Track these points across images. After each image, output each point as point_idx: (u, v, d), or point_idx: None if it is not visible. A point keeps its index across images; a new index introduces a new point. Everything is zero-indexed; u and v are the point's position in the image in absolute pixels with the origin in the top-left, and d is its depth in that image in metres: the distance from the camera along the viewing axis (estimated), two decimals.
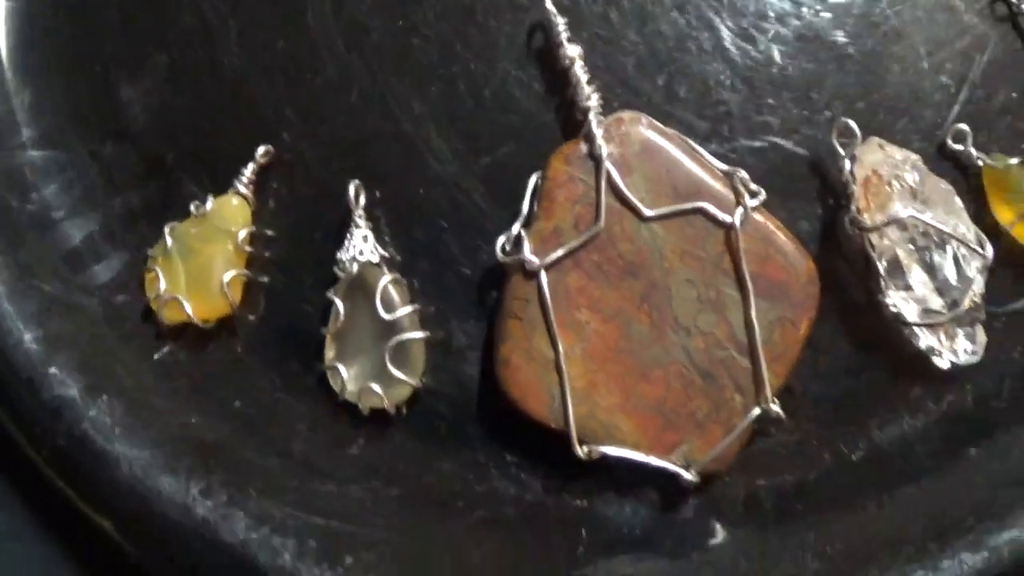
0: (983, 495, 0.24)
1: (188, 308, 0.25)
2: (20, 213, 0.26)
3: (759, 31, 0.26)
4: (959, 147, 0.26)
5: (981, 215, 0.26)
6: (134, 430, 0.24)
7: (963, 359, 0.24)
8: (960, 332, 0.24)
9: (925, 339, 0.25)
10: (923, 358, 0.25)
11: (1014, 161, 0.25)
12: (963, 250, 0.24)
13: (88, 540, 0.26)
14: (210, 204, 0.25)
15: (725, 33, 0.26)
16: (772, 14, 0.26)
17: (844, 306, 0.25)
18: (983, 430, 0.25)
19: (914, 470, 0.25)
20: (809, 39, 0.26)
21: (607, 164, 0.23)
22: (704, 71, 0.25)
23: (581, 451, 0.23)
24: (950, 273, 0.24)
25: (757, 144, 0.25)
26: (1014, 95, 0.26)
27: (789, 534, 0.25)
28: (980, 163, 0.25)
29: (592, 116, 0.24)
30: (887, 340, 0.25)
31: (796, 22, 0.26)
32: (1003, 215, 0.25)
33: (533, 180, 0.24)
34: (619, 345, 0.23)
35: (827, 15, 0.26)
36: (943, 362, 0.25)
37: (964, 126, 0.26)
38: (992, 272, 0.25)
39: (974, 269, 0.24)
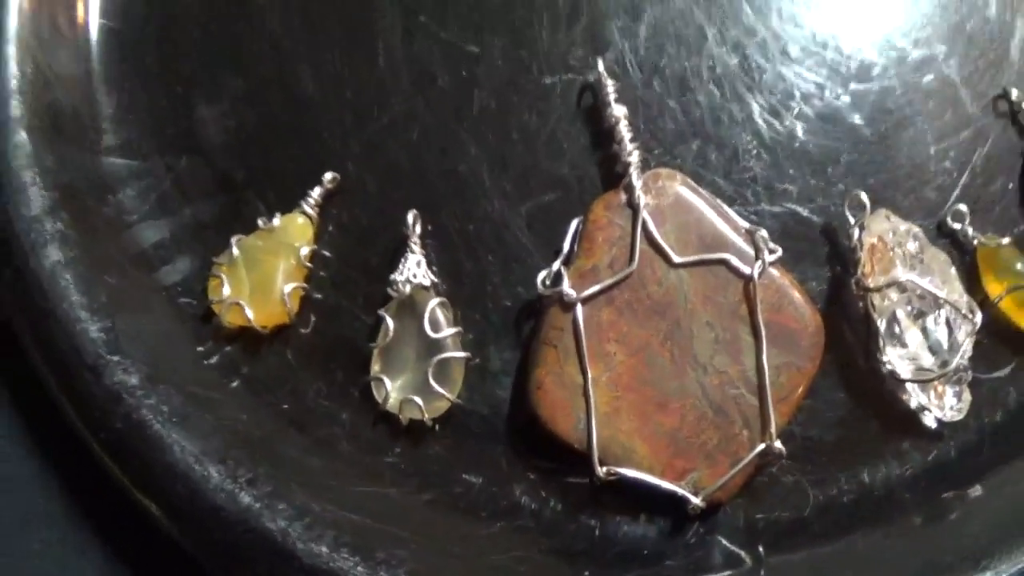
0: (963, 539, 0.30)
1: (249, 313, 0.31)
2: (96, 214, 0.32)
3: (785, 108, 0.32)
4: (957, 225, 0.32)
5: (973, 288, 0.32)
6: (189, 420, 0.30)
7: (949, 415, 0.30)
8: (948, 390, 0.30)
9: (916, 396, 0.31)
10: (912, 415, 0.31)
11: (1005, 241, 0.32)
12: (955, 315, 0.30)
13: (134, 526, 0.31)
14: (277, 220, 0.31)
15: (755, 107, 0.32)
16: (798, 94, 0.32)
17: (844, 363, 0.31)
18: (965, 482, 0.31)
19: (900, 513, 0.31)
20: (829, 119, 0.32)
21: (643, 213, 0.30)
22: (733, 140, 0.32)
23: (601, 470, 0.29)
24: (942, 335, 0.30)
25: (776, 209, 0.32)
26: (1010, 185, 0.33)
27: (783, 565, 0.30)
28: (975, 241, 0.32)
29: (633, 169, 0.30)
30: (880, 397, 0.31)
31: (818, 103, 0.32)
32: (992, 289, 0.32)
33: (575, 223, 0.30)
34: (642, 376, 0.29)
35: (846, 99, 0.32)
36: (931, 420, 0.31)
37: (963, 207, 0.32)
38: (980, 341, 0.31)
39: (964, 333, 0.30)
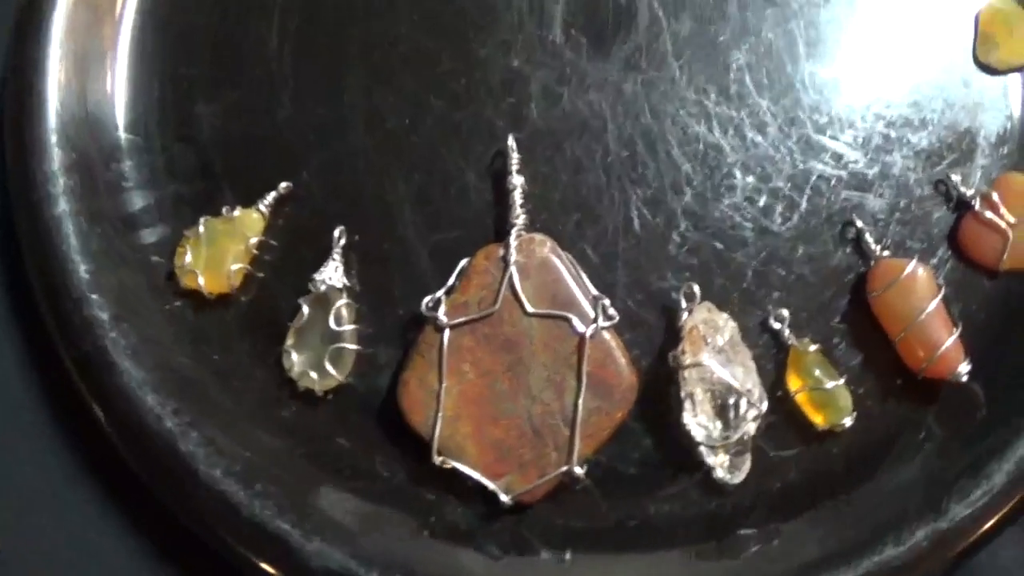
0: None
1: (201, 280, 0.42)
2: (100, 177, 0.44)
3: (656, 201, 0.42)
4: (777, 326, 0.42)
5: (781, 378, 0.42)
6: (139, 354, 0.41)
7: (726, 477, 0.40)
8: (729, 458, 0.40)
9: (707, 456, 0.41)
10: (706, 470, 0.41)
11: (812, 348, 0.41)
12: (744, 401, 0.40)
13: (88, 432, 0.42)
14: (237, 212, 0.43)
15: (633, 196, 0.42)
16: (671, 191, 0.42)
17: (659, 416, 0.41)
18: (732, 531, 0.41)
19: (673, 544, 0.41)
20: (691, 216, 0.42)
21: (512, 268, 0.40)
22: (608, 220, 0.42)
23: (437, 459, 0.40)
24: (731, 415, 0.40)
25: (629, 282, 0.42)
26: (847, 298, 0.42)
27: (579, 560, 0.41)
28: (789, 342, 0.42)
29: (514, 232, 0.41)
30: (681, 450, 0.41)
31: (687, 201, 0.42)
32: (793, 384, 0.41)
33: (462, 263, 0.41)
34: (484, 395, 0.40)
35: (713, 203, 0.42)
36: (718, 476, 0.41)
37: (785, 312, 0.42)
38: (776, 423, 0.41)
39: (750, 416, 0.40)
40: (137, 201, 0.44)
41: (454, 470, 0.40)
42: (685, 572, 0.41)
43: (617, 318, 0.40)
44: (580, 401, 0.40)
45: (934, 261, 0.43)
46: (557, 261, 0.41)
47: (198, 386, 0.42)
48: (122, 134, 0.44)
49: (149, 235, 0.43)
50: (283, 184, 0.43)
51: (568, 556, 0.41)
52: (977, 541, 0.41)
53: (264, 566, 0.40)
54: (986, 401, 0.42)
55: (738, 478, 0.41)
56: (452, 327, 0.40)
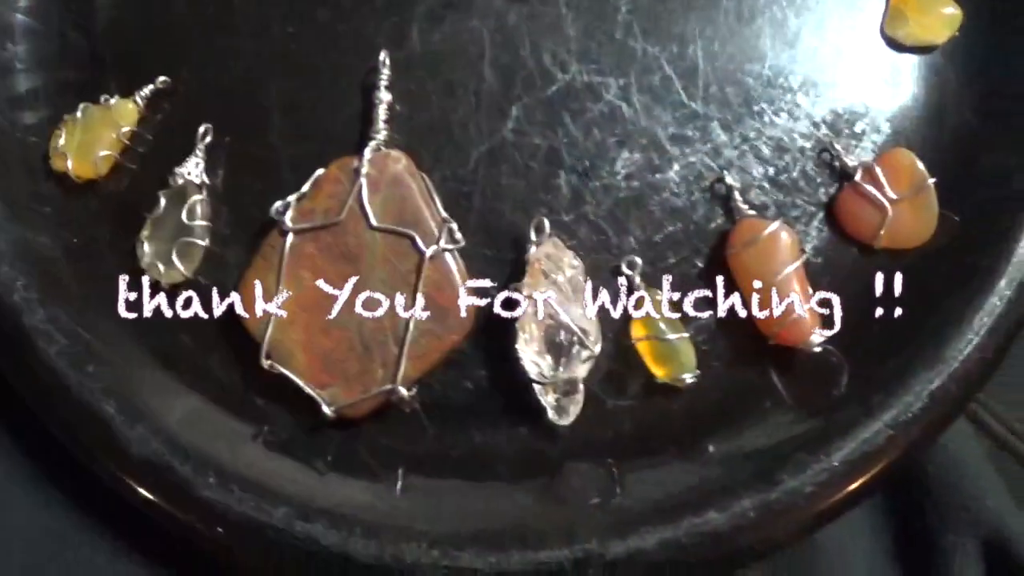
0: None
1: (70, 164, 0.43)
2: None
3: (523, 135, 0.42)
4: (629, 272, 0.41)
5: (627, 326, 0.41)
6: (1, 228, 0.43)
7: (554, 418, 0.40)
8: (557, 398, 0.40)
9: (539, 393, 0.40)
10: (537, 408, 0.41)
11: (661, 298, 0.41)
12: (577, 341, 0.39)
13: None
14: (114, 101, 0.43)
15: (501, 129, 0.42)
16: (541, 126, 0.42)
17: (498, 348, 0.41)
18: (554, 472, 0.41)
19: (493, 478, 0.40)
20: (556, 153, 0.42)
21: (362, 180, 0.40)
22: (472, 148, 0.42)
23: (265, 363, 0.40)
24: (564, 353, 0.40)
25: (484, 210, 0.42)
26: (708, 255, 0.42)
27: (411, 485, 0.41)
28: (639, 291, 0.41)
29: (371, 145, 0.41)
30: (516, 384, 0.41)
31: (558, 136, 0.42)
32: (636, 332, 0.41)
33: (318, 173, 0.41)
34: (319, 303, 0.40)
35: (587, 150, 0.42)
36: (547, 417, 0.41)
37: (638, 259, 0.41)
38: (614, 371, 0.41)
39: (582, 357, 0.40)
40: (25, 83, 0.45)
41: (283, 378, 0.41)
42: (509, 505, 0.40)
43: (462, 243, 0.40)
44: (411, 321, 0.40)
45: (809, 229, 0.42)
46: (409, 179, 0.41)
47: (53, 266, 0.43)
48: (20, 16, 0.45)
49: (31, 117, 0.44)
50: (161, 78, 0.44)
51: (399, 480, 0.41)
52: (810, 519, 0.40)
53: (90, 449, 0.41)
54: (848, 378, 0.41)
55: (566, 420, 0.40)
56: (296, 232, 0.41)
